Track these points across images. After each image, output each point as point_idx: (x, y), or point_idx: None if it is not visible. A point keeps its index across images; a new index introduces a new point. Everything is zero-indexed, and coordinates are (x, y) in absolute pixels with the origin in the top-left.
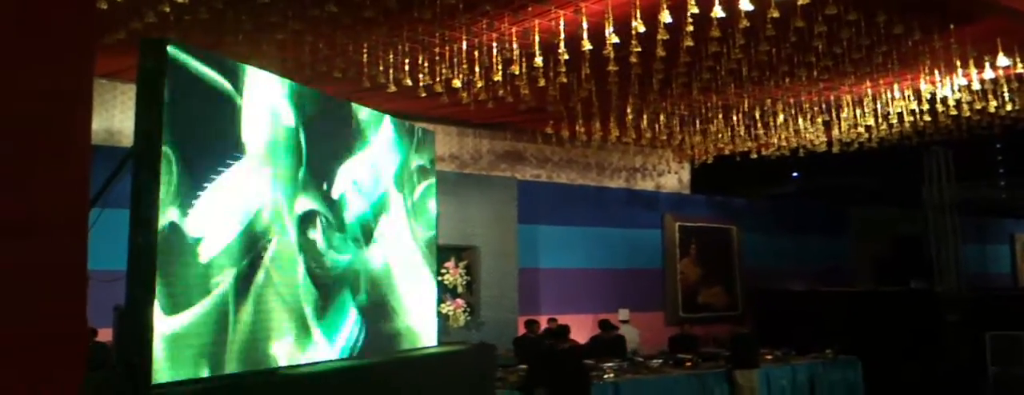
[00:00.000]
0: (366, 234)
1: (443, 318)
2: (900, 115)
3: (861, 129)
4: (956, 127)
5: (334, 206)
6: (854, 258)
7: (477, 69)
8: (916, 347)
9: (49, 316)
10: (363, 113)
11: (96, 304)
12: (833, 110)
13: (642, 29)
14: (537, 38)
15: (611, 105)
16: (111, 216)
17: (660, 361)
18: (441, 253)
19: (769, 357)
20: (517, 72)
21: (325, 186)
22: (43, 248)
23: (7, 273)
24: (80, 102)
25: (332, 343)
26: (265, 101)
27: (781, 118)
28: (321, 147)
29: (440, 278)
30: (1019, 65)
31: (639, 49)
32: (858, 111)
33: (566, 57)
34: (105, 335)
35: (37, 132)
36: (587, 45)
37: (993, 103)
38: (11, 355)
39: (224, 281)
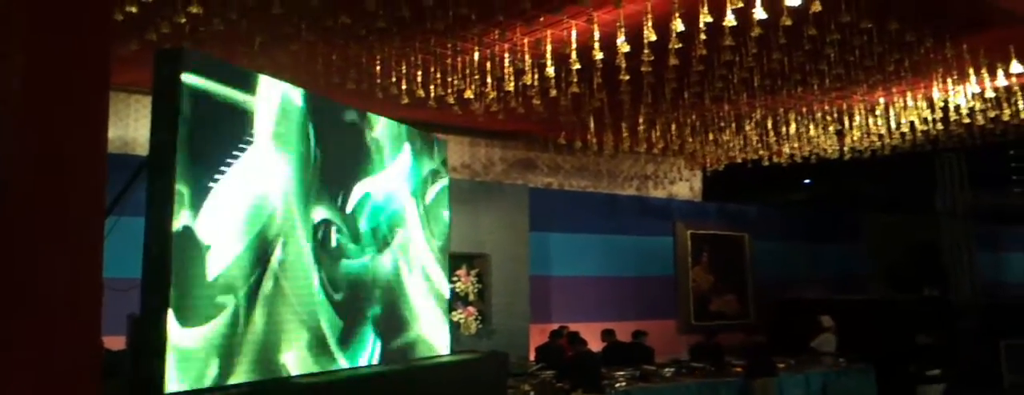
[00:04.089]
0: (380, 242)
1: (454, 326)
2: (912, 124)
3: (874, 138)
4: (969, 135)
5: (348, 215)
6: (868, 265)
7: (489, 80)
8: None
9: (65, 325)
10: (379, 122)
11: (110, 312)
12: (845, 119)
13: (654, 38)
14: (549, 48)
15: (623, 114)
16: (126, 224)
17: (673, 369)
18: (453, 261)
19: (782, 365)
20: (529, 82)
21: (339, 195)
22: (59, 256)
23: (24, 281)
24: (96, 112)
25: (345, 352)
26: (280, 111)
27: (793, 127)
28: (335, 156)
29: (452, 286)
30: None
31: (651, 58)
32: (870, 120)
33: (578, 67)
34: (118, 343)
35: (54, 142)
36: (599, 55)
37: (1007, 111)
38: (28, 364)
39: (238, 290)
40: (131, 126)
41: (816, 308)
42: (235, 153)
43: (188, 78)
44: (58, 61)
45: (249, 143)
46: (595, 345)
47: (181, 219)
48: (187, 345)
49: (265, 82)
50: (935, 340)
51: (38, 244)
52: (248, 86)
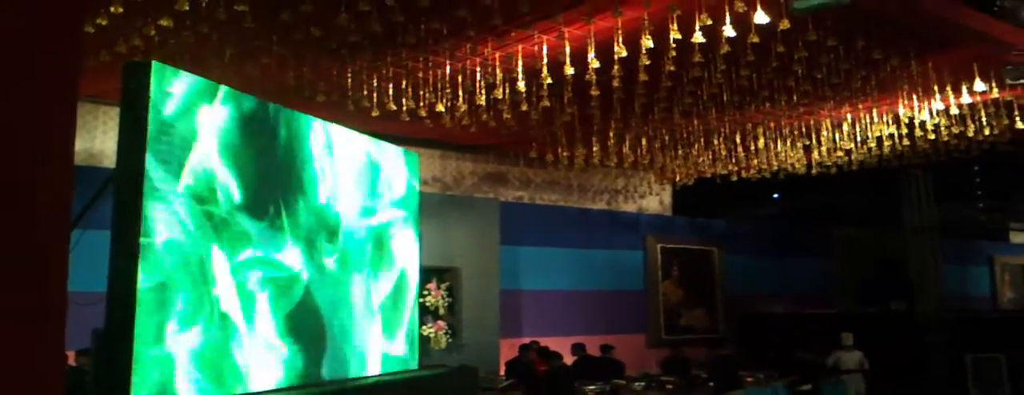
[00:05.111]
0: (348, 255)
1: (424, 340)
2: (879, 139)
3: (841, 153)
4: (934, 151)
5: (316, 228)
6: (835, 280)
7: (460, 94)
8: (897, 369)
9: (27, 340)
10: (343, 134)
11: (76, 326)
12: (813, 134)
13: (624, 54)
14: (520, 63)
15: (593, 129)
16: (92, 238)
17: (643, 383)
18: (423, 274)
19: (750, 379)
20: (500, 96)
21: (305, 207)
22: (23, 270)
23: None
24: (64, 124)
25: (312, 367)
26: (248, 123)
27: (762, 142)
28: (301, 166)
29: (422, 300)
30: (995, 90)
31: (621, 74)
32: (837, 135)
33: (549, 82)
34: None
35: (20, 153)
36: (569, 70)
37: (971, 127)
38: None
39: (203, 303)
40: (99, 138)
41: (784, 322)
42: (201, 165)
43: (156, 90)
44: (25, 71)
45: (213, 155)
46: (566, 359)
47: (147, 231)
48: (150, 360)
49: (232, 94)
50: (814, 356)
51: (2, 257)
52: (214, 98)
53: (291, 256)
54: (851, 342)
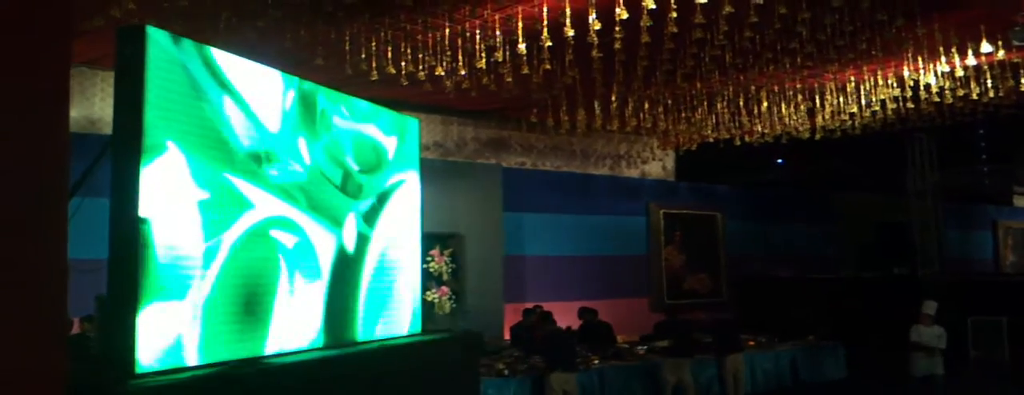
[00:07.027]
0: (351, 220)
1: (428, 306)
2: (883, 102)
3: (845, 116)
4: (939, 114)
5: (318, 192)
6: (838, 245)
7: (460, 57)
8: (899, 332)
9: (29, 309)
10: (347, 100)
11: (77, 294)
12: (817, 97)
13: (625, 16)
14: (520, 25)
15: (595, 92)
16: (92, 205)
17: (645, 348)
18: (426, 241)
19: (752, 343)
20: (500, 59)
21: (309, 169)
22: (23, 239)
23: None
24: (58, 91)
25: (317, 331)
26: (244, 89)
27: (765, 105)
28: (303, 131)
29: (425, 266)
30: (1001, 52)
31: (622, 36)
32: (841, 98)
33: (549, 44)
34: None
35: (14, 122)
36: (570, 32)
37: (976, 90)
38: None
39: (207, 269)
40: (96, 105)
41: (787, 287)
42: (199, 131)
43: (152, 55)
44: (16, 37)
45: (213, 120)
46: (575, 324)
47: (146, 198)
48: (155, 325)
49: (229, 59)
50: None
51: (2, 227)
52: (212, 64)
53: (295, 218)
54: (932, 312)
